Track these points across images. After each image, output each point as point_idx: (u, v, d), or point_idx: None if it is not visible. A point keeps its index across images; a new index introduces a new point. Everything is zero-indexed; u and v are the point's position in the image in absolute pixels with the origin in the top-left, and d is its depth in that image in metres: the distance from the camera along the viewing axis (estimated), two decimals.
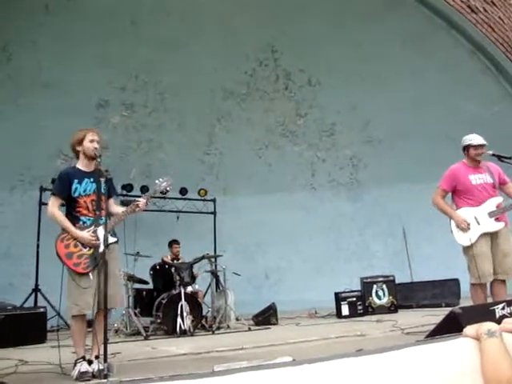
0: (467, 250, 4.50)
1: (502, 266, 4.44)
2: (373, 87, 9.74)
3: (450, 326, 2.46)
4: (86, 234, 3.53)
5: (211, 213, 9.87)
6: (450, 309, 3.07)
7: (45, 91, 8.65)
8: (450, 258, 7.24)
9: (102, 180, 3.64)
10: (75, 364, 3.40)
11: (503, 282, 4.50)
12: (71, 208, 3.62)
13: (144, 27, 8.74)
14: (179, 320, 5.81)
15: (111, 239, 3.58)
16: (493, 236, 4.50)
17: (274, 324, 6.76)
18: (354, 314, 7.27)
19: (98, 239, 3.54)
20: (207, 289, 7.52)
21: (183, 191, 9.43)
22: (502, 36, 9.21)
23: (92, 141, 3.70)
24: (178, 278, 6.34)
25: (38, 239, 7.65)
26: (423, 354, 1.79)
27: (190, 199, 9.63)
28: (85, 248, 3.54)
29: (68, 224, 3.55)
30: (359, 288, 7.75)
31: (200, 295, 7.11)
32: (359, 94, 9.87)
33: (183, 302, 5.93)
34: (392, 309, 7.61)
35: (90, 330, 3.60)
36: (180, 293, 6.02)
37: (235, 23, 9.08)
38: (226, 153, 10.39)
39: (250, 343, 4.60)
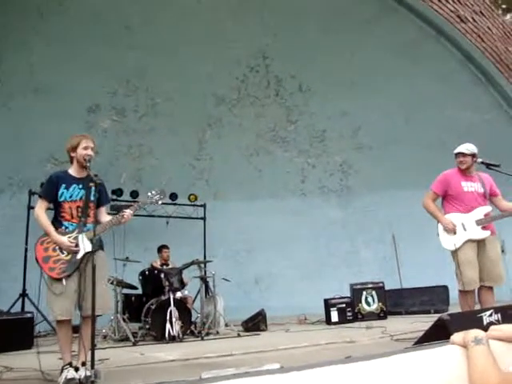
0: (454, 256, 4.54)
1: (490, 272, 4.48)
2: (364, 94, 9.79)
3: (439, 333, 2.47)
4: (65, 240, 3.51)
5: (201, 218, 9.86)
6: (438, 315, 3.08)
7: (36, 95, 8.60)
8: (439, 265, 7.28)
9: (92, 186, 3.62)
10: (62, 370, 3.38)
11: (490, 288, 4.54)
12: (56, 212, 3.62)
13: (136, 32, 8.73)
14: (168, 326, 5.78)
15: (90, 247, 3.49)
16: (480, 244, 4.54)
17: (264, 330, 6.75)
18: (343, 320, 7.28)
19: (77, 246, 3.52)
20: (196, 294, 7.50)
21: (173, 196, 9.41)
22: (490, 46, 9.30)
23: (86, 148, 3.69)
24: (167, 283, 6.32)
25: (26, 243, 7.58)
26: (411, 362, 1.79)
27: (180, 204, 9.61)
28: (63, 253, 3.52)
29: (50, 228, 3.54)
30: (349, 294, 7.77)
31: (189, 301, 7.09)
32: (350, 100, 9.92)
33: (172, 307, 5.91)
34: (381, 315, 7.63)
35: (76, 335, 3.57)
36: (169, 298, 6.00)
37: (227, 29, 9.09)
38: (216, 158, 10.38)
39: (239, 349, 4.59)
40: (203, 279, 7.15)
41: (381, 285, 7.93)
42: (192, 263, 6.93)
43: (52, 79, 8.50)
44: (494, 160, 4.71)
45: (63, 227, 3.58)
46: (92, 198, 3.65)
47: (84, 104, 9.19)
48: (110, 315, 6.29)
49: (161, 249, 7.71)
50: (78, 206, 3.62)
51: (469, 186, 4.67)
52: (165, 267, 7.27)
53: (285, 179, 10.76)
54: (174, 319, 5.83)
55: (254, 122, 10.42)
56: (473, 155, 4.67)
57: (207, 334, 6.31)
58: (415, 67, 9.45)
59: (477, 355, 1.70)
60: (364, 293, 7.72)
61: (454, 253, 4.51)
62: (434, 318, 3.23)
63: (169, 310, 5.87)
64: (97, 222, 3.63)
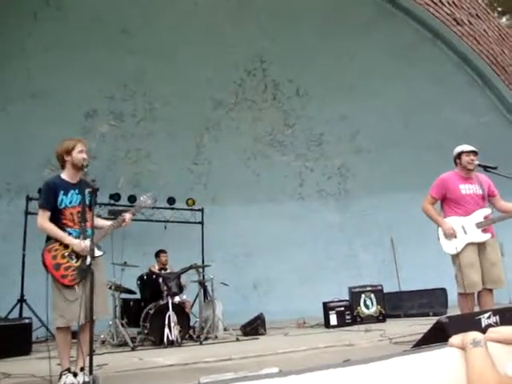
0: (455, 259, 4.54)
1: (490, 275, 4.48)
2: (361, 97, 9.80)
3: (437, 336, 2.47)
4: (83, 242, 3.49)
5: (199, 222, 9.86)
6: (437, 318, 3.08)
7: (34, 100, 8.59)
8: (438, 268, 7.28)
9: (87, 191, 3.61)
10: (60, 376, 3.37)
11: (490, 291, 4.54)
12: (57, 219, 3.57)
13: (133, 36, 8.73)
14: (167, 330, 5.77)
15: (98, 252, 3.52)
16: (480, 246, 4.54)
17: (262, 334, 6.74)
18: (342, 323, 7.26)
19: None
20: (195, 299, 7.49)
21: (171, 201, 9.42)
22: (486, 48, 9.33)
23: (81, 151, 3.68)
24: (165, 288, 6.31)
25: (24, 249, 7.57)
26: (410, 364, 1.79)
27: (178, 209, 9.62)
28: (72, 260, 3.50)
29: (61, 233, 3.52)
30: (347, 297, 7.76)
31: (188, 305, 7.08)
32: (347, 104, 9.93)
33: (171, 312, 5.90)
34: (380, 318, 7.62)
35: (74, 341, 3.56)
36: (167, 303, 5.99)
37: (224, 33, 9.10)
38: (214, 162, 10.38)
39: (237, 354, 4.58)
40: (202, 284, 7.14)
41: (379, 288, 7.92)
42: (190, 267, 6.92)
43: (50, 84, 8.50)
44: (491, 162, 4.72)
45: (66, 233, 3.56)
46: (87, 203, 3.64)
47: (82, 109, 9.19)
48: (109, 320, 6.27)
49: (159, 253, 7.71)
50: (78, 212, 3.61)
51: (467, 189, 4.66)
52: (163, 272, 7.25)
53: (283, 183, 10.76)
54: (172, 324, 5.81)
55: (252, 126, 10.43)
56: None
57: (206, 338, 6.30)
58: (412, 70, 9.48)
59: (475, 357, 1.70)
60: (363, 296, 7.71)
61: (456, 256, 4.50)
62: (433, 320, 3.23)
63: (167, 315, 5.86)
64: (94, 226, 3.62)
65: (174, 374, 3.90)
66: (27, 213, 7.92)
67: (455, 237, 4.52)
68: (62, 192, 3.60)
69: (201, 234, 9.76)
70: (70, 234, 3.57)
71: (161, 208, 9.27)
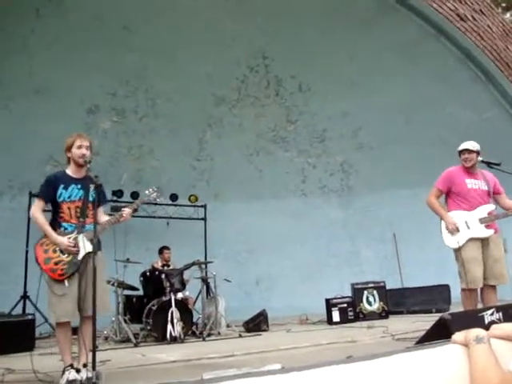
0: (458, 255, 4.53)
1: (493, 271, 4.47)
2: (364, 94, 9.78)
3: (440, 332, 2.47)
4: (64, 240, 3.49)
5: (202, 219, 9.86)
6: (440, 314, 3.08)
7: (35, 96, 8.60)
8: (440, 264, 7.28)
9: (92, 187, 3.61)
10: (63, 372, 3.37)
11: (493, 287, 4.53)
12: (55, 213, 3.60)
13: (135, 33, 8.72)
14: (169, 327, 5.78)
15: (90, 247, 3.47)
16: (483, 242, 4.53)
17: (265, 330, 6.75)
18: (344, 320, 7.26)
19: (76, 246, 3.51)
20: (198, 295, 7.49)
21: (174, 197, 9.42)
22: (490, 44, 9.29)
23: (80, 147, 3.65)
24: (168, 284, 6.32)
25: (27, 245, 7.57)
26: (412, 361, 1.78)
27: (180, 205, 9.62)
28: (63, 254, 3.50)
29: (48, 228, 3.52)
30: (350, 294, 7.76)
31: (190, 302, 7.09)
32: (350, 100, 9.90)
33: (173, 308, 5.90)
34: (383, 315, 7.62)
35: (75, 337, 3.57)
36: (170, 299, 6.00)
37: (226, 29, 9.09)
38: (217, 159, 10.38)
39: (240, 350, 4.59)
40: (204, 280, 7.15)
41: (382, 284, 7.92)
42: (193, 264, 6.93)
43: (52, 81, 8.51)
44: (493, 158, 4.71)
45: (62, 228, 3.56)
46: (91, 199, 3.63)
47: (84, 105, 9.19)
48: (112, 316, 6.29)
49: (162, 250, 7.72)
50: (76, 207, 3.60)
51: (473, 184, 4.66)
52: (166, 268, 7.27)
53: (285, 179, 10.75)
54: (175, 320, 5.82)
55: (254, 123, 10.42)
56: (477, 152, 4.67)
57: (209, 334, 6.30)
58: (415, 66, 9.44)
59: (478, 354, 1.70)
60: (365, 292, 7.71)
61: (458, 251, 4.50)
62: (436, 317, 3.23)
63: (170, 311, 5.87)
64: (96, 222, 3.61)
65: (177, 370, 3.91)
66: (30, 209, 7.92)
67: (458, 230, 4.52)
68: (62, 186, 3.60)
69: (203, 231, 9.75)
70: (65, 228, 3.57)
71: (163, 204, 9.27)
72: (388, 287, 8.04)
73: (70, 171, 3.72)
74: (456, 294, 4.99)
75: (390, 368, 1.72)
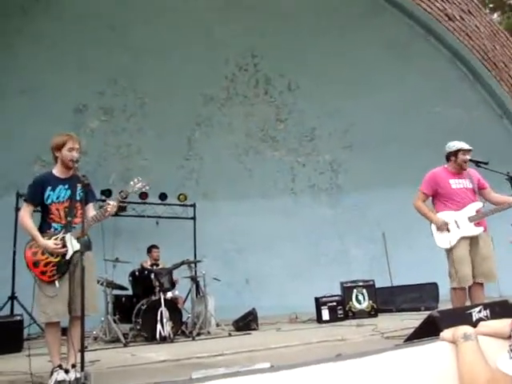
0: (449, 254, 4.55)
1: (481, 269, 4.51)
2: (353, 93, 9.80)
3: (429, 330, 2.48)
4: (50, 243, 3.46)
5: (191, 218, 9.83)
6: (428, 312, 3.09)
7: (22, 96, 8.52)
8: (429, 263, 7.31)
9: (79, 186, 3.58)
10: (52, 373, 3.35)
11: (481, 285, 4.57)
12: (45, 214, 3.58)
13: (123, 32, 8.67)
14: (159, 326, 5.76)
15: (78, 246, 3.43)
16: (472, 240, 4.56)
17: (255, 329, 6.74)
18: (334, 318, 7.27)
19: (64, 246, 3.48)
20: (187, 295, 7.48)
21: (163, 196, 9.39)
22: (478, 44, 9.37)
23: (71, 149, 3.61)
24: (157, 283, 6.30)
25: (15, 246, 7.51)
26: (402, 358, 1.80)
27: (169, 204, 9.59)
28: (52, 256, 3.48)
29: (35, 232, 3.50)
30: (339, 293, 7.78)
31: (180, 301, 7.07)
32: (339, 99, 9.92)
33: (163, 308, 5.88)
34: (372, 313, 7.65)
35: (64, 337, 3.55)
36: (160, 299, 5.98)
37: (215, 28, 9.06)
38: (205, 158, 10.36)
39: (230, 349, 4.58)
40: (194, 279, 7.13)
41: (371, 283, 7.94)
42: (182, 263, 6.91)
43: (38, 80, 8.42)
44: (481, 156, 4.74)
45: (52, 229, 3.55)
46: (78, 198, 3.60)
47: (72, 104, 9.13)
48: (101, 316, 6.25)
49: (151, 249, 7.69)
50: (65, 207, 3.58)
51: (457, 183, 4.68)
52: (155, 267, 7.23)
53: (275, 178, 10.75)
54: (164, 319, 5.80)
55: (244, 122, 10.41)
56: None
57: (198, 334, 6.28)
58: (404, 65, 9.49)
59: (466, 351, 1.71)
60: (355, 291, 7.73)
61: (450, 251, 4.52)
62: (424, 315, 3.25)
63: (159, 311, 5.84)
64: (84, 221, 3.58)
65: (167, 370, 3.90)
66: (17, 209, 7.84)
67: (448, 230, 4.54)
68: (49, 188, 3.58)
69: (193, 230, 9.72)
70: (55, 229, 3.56)
71: (152, 204, 9.24)
72: (377, 286, 8.06)
73: (57, 171, 3.68)
74: (444, 291, 5.03)
75: (380, 365, 1.73)
